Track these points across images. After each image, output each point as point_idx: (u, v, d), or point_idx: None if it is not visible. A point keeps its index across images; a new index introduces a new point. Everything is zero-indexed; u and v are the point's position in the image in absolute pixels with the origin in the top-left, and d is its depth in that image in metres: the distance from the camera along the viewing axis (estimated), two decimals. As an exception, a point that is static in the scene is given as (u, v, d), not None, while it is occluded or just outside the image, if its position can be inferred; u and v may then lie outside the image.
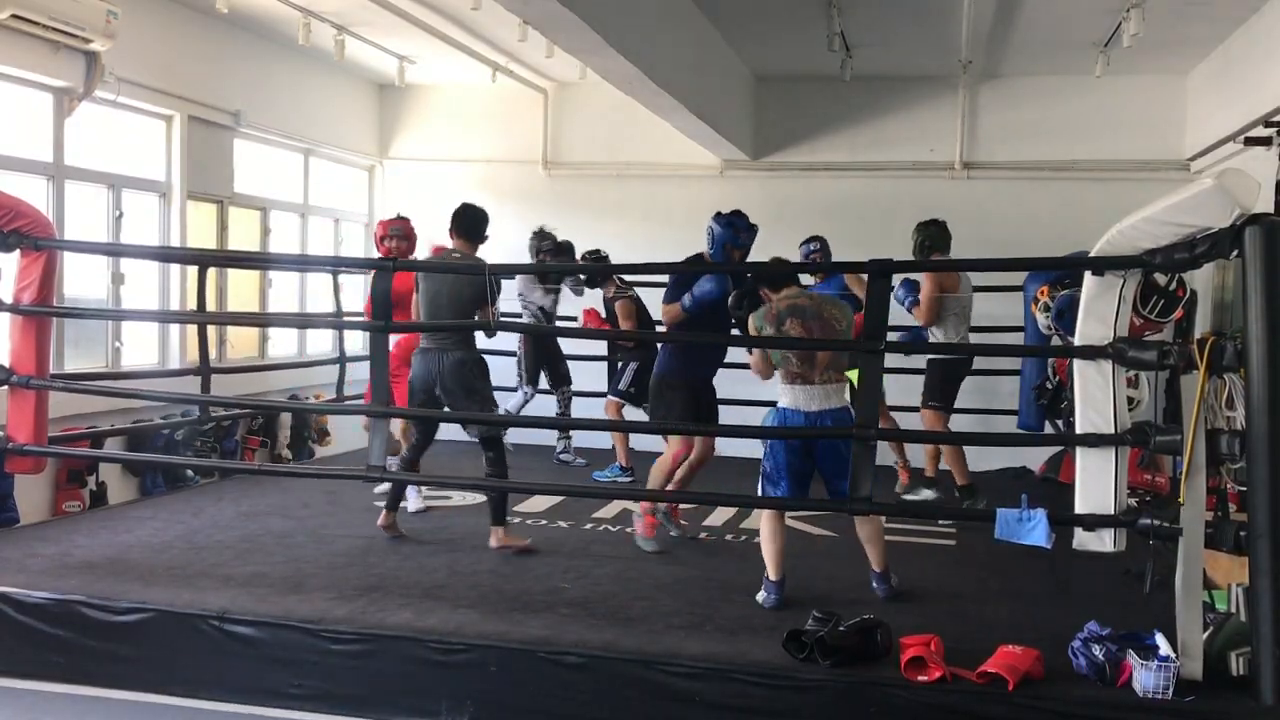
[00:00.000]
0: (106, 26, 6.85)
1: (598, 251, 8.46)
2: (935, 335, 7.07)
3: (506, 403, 8.38)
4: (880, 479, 5.07)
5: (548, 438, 9.00)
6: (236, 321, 9.36)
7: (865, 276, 5.21)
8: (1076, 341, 4.40)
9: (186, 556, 5.47)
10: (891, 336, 7.42)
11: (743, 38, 8.85)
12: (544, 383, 8.61)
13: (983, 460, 8.28)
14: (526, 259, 8.59)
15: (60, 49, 6.84)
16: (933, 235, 7.07)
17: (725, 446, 9.84)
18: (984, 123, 9.93)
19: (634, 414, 8.23)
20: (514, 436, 8.66)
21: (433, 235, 8.43)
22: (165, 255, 8.10)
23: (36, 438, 5.36)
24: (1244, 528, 3.92)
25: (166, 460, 7.52)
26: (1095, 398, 4.29)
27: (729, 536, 6.41)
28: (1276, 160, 6.73)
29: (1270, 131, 7.07)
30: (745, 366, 5.67)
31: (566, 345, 8.75)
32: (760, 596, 4.98)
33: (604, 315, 8.23)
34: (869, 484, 4.62)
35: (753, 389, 9.04)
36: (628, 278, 8.26)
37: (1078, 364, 4.36)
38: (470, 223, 6.05)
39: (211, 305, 7.87)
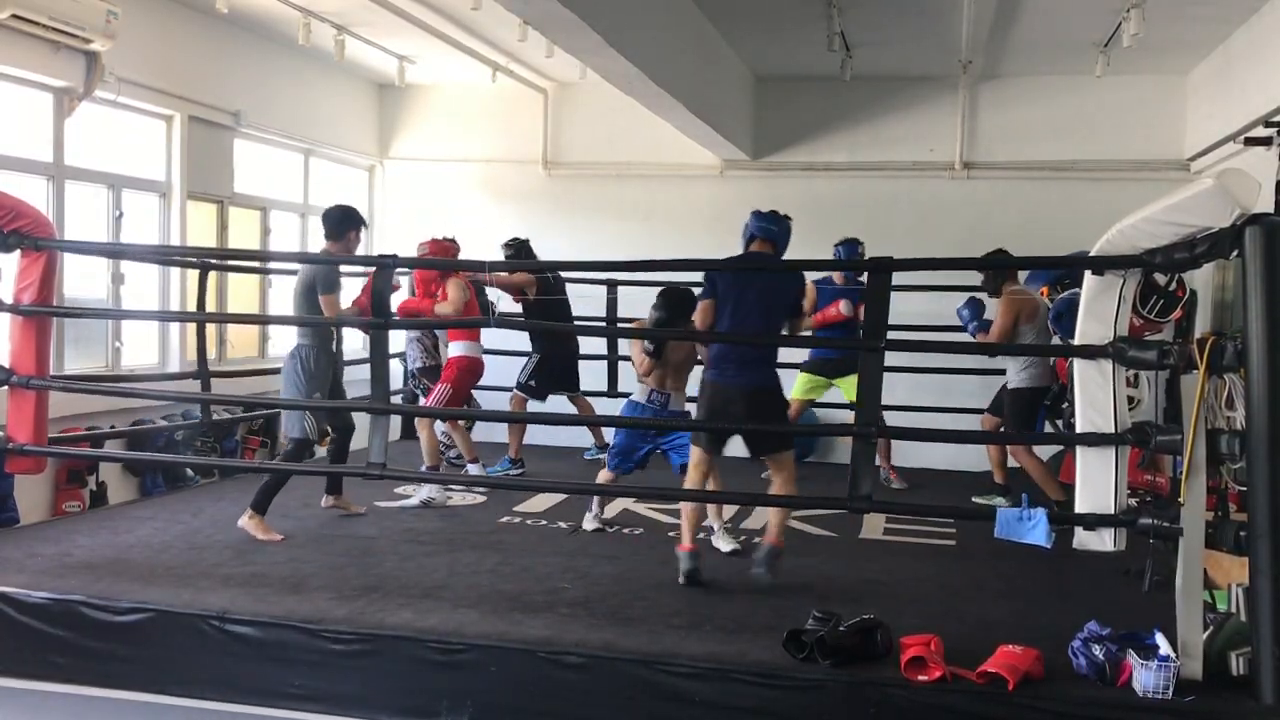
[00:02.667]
0: (106, 26, 6.85)
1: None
2: (1010, 364, 7.00)
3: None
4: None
5: (543, 438, 8.99)
6: (237, 320, 9.36)
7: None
8: (1077, 341, 4.40)
9: (186, 556, 5.47)
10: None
11: (743, 38, 8.85)
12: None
13: (982, 460, 8.27)
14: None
15: (60, 49, 6.84)
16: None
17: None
18: (984, 123, 9.94)
19: (534, 407, 8.31)
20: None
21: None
22: (165, 257, 8.09)
23: (36, 438, 5.36)
24: (1244, 528, 3.91)
25: (166, 460, 7.52)
26: (1095, 397, 4.29)
27: (742, 538, 6.39)
28: (1276, 160, 6.73)
29: (1270, 131, 7.07)
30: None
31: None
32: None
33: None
34: (869, 483, 4.62)
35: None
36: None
37: (1078, 364, 4.36)
38: (331, 223, 6.16)
39: (211, 305, 7.87)
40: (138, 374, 7.64)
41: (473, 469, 7.34)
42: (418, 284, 7.39)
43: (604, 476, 6.28)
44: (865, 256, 8.00)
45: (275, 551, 5.63)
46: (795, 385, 8.09)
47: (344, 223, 6.12)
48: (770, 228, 5.66)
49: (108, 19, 6.85)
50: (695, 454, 5.60)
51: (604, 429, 8.67)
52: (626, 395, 9.04)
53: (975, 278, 7.47)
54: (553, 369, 8.24)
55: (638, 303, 9.27)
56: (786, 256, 5.79)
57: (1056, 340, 6.98)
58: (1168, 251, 4.13)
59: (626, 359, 9.29)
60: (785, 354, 8.16)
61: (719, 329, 5.44)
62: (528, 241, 8.29)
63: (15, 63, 6.66)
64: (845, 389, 7.93)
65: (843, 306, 7.81)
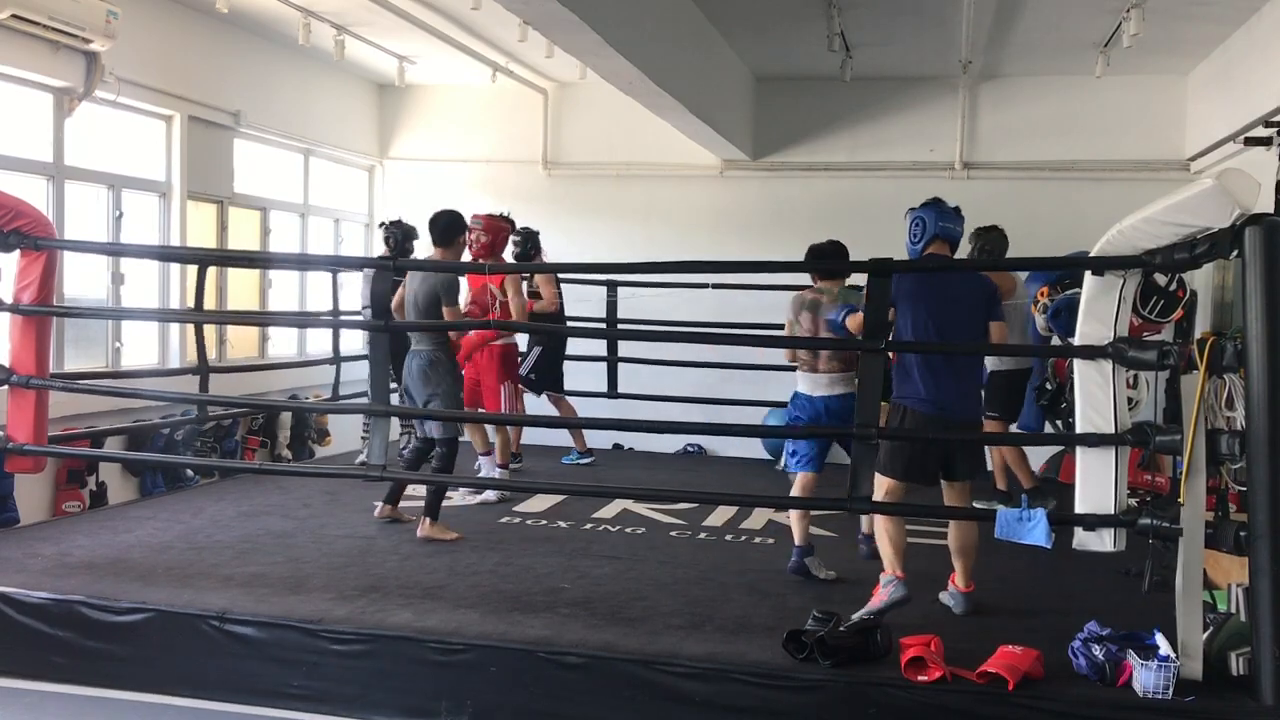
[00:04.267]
0: (106, 26, 6.85)
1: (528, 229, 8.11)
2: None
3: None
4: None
5: (548, 438, 8.99)
6: (236, 321, 9.36)
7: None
8: (1077, 341, 4.40)
9: (186, 556, 5.47)
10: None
11: (743, 38, 8.85)
12: None
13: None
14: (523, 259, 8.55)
15: (60, 49, 6.84)
16: (994, 242, 6.71)
17: (725, 445, 9.91)
18: (984, 123, 9.94)
19: (533, 401, 8.26)
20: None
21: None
22: (165, 255, 8.10)
23: (36, 437, 5.36)
24: (1244, 528, 3.92)
25: (166, 460, 7.52)
26: (1095, 398, 4.29)
27: (729, 537, 6.40)
28: (1276, 160, 6.73)
29: (1270, 131, 7.07)
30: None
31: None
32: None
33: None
34: (869, 482, 4.61)
35: (758, 389, 9.08)
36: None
37: (1078, 364, 4.36)
38: (441, 229, 6.18)
39: (211, 305, 7.86)
40: (136, 371, 7.64)
41: (493, 467, 7.29)
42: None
43: (802, 482, 5.58)
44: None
45: (275, 551, 5.63)
46: None
47: (453, 228, 6.19)
48: (955, 229, 4.98)
49: (108, 19, 6.85)
50: (889, 484, 4.90)
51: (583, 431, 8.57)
52: (626, 396, 9.11)
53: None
54: (550, 363, 8.20)
55: (639, 303, 9.30)
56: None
57: (1056, 339, 6.97)
58: (1168, 252, 4.13)
59: (628, 360, 9.32)
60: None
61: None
62: (537, 234, 8.04)
63: (15, 63, 6.66)
64: None
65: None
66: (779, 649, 4.19)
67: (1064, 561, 5.01)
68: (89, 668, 4.60)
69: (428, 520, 6.02)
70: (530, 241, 7.96)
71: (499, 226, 6.99)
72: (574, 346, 8.67)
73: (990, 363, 6.80)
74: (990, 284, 5.10)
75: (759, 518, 6.82)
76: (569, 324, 8.74)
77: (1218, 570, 4.72)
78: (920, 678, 3.97)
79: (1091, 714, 3.87)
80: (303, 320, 10.05)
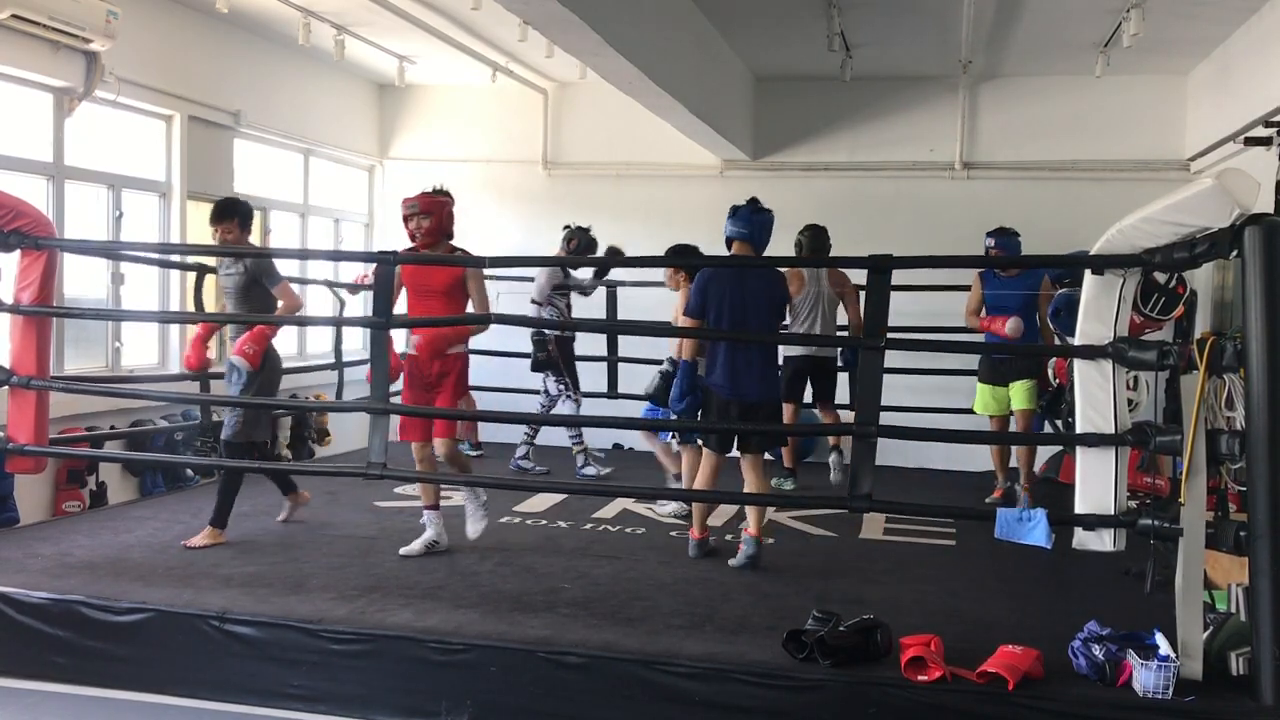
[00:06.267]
0: (106, 26, 6.86)
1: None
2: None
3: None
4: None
5: (550, 437, 8.98)
6: (236, 320, 9.32)
7: None
8: (1077, 341, 4.41)
9: (186, 556, 5.47)
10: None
11: (743, 38, 8.85)
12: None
13: (983, 460, 8.27)
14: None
15: (60, 49, 6.85)
16: (811, 237, 7.49)
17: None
18: (984, 123, 9.94)
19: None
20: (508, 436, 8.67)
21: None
22: (165, 255, 8.08)
23: (37, 438, 5.36)
24: (1244, 528, 3.92)
25: (166, 460, 7.52)
26: (1095, 397, 4.29)
27: (729, 536, 6.39)
28: (1276, 160, 6.73)
29: (1270, 131, 7.07)
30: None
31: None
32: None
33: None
34: (869, 482, 4.61)
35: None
36: None
37: (1078, 364, 4.37)
38: (219, 210, 6.15)
39: (211, 306, 7.85)
40: (137, 374, 7.63)
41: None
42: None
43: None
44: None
45: (275, 551, 5.63)
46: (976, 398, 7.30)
47: (229, 209, 6.18)
48: (742, 231, 5.66)
49: (108, 19, 6.85)
50: (703, 452, 5.79)
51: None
52: (626, 396, 9.10)
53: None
54: None
55: (639, 302, 9.30)
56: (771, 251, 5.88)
57: (1055, 339, 6.98)
58: (1167, 251, 4.13)
59: (628, 360, 9.32)
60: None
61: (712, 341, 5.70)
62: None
63: (15, 63, 6.66)
64: (1016, 395, 7.11)
65: (1009, 327, 6.73)
66: (779, 649, 4.19)
67: (1064, 561, 5.01)
68: (89, 668, 4.60)
69: (213, 530, 5.77)
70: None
71: (438, 202, 5.74)
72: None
73: (784, 349, 7.39)
74: (781, 279, 5.79)
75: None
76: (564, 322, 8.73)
77: (1218, 570, 4.72)
78: (920, 678, 3.97)
79: (1091, 714, 3.87)
80: (302, 320, 10.02)
